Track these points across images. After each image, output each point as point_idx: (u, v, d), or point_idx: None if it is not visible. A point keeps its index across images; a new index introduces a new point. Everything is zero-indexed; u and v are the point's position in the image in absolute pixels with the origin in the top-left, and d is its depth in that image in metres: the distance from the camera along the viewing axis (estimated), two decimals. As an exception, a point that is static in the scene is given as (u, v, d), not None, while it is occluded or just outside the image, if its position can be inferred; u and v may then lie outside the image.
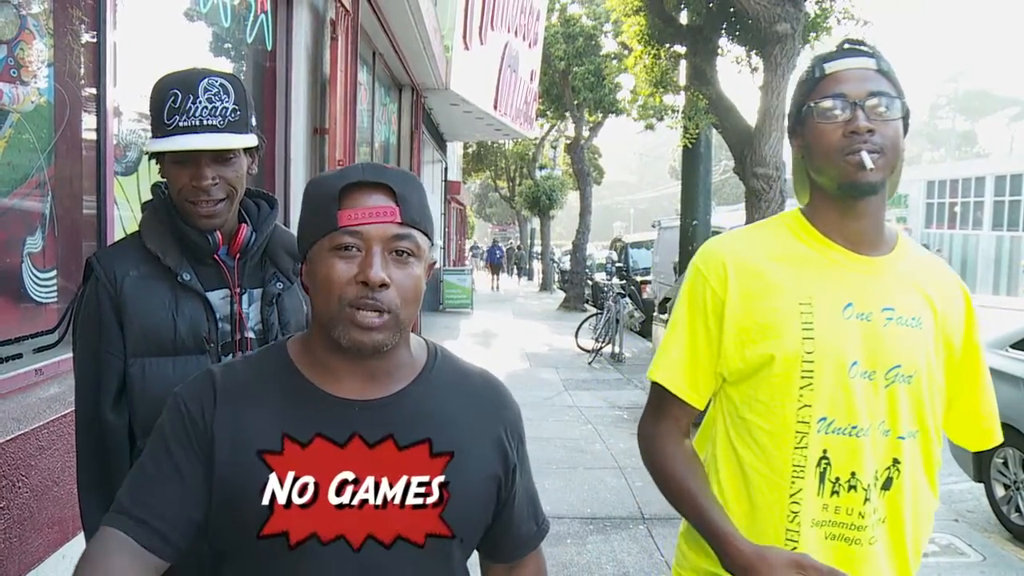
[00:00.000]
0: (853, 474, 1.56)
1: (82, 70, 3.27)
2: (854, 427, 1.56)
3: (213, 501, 1.27)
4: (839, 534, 1.57)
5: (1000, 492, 5.60)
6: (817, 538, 1.57)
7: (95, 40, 3.33)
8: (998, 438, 1.73)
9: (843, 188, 1.58)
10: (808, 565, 1.39)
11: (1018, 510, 5.46)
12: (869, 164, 1.53)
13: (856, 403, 1.56)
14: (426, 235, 1.31)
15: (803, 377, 1.57)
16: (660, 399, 1.73)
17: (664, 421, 1.72)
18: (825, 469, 1.57)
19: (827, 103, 1.59)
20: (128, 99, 3.67)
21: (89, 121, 3.32)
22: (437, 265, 18.09)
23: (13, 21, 2.82)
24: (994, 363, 5.45)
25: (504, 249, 38.20)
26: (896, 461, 1.58)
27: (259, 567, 1.27)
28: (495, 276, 32.23)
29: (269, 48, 5.65)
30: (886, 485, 1.58)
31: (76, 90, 3.22)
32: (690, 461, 1.66)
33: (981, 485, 5.76)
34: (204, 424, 1.28)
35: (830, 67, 1.62)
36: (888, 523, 1.60)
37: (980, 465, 5.67)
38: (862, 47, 1.62)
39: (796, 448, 1.58)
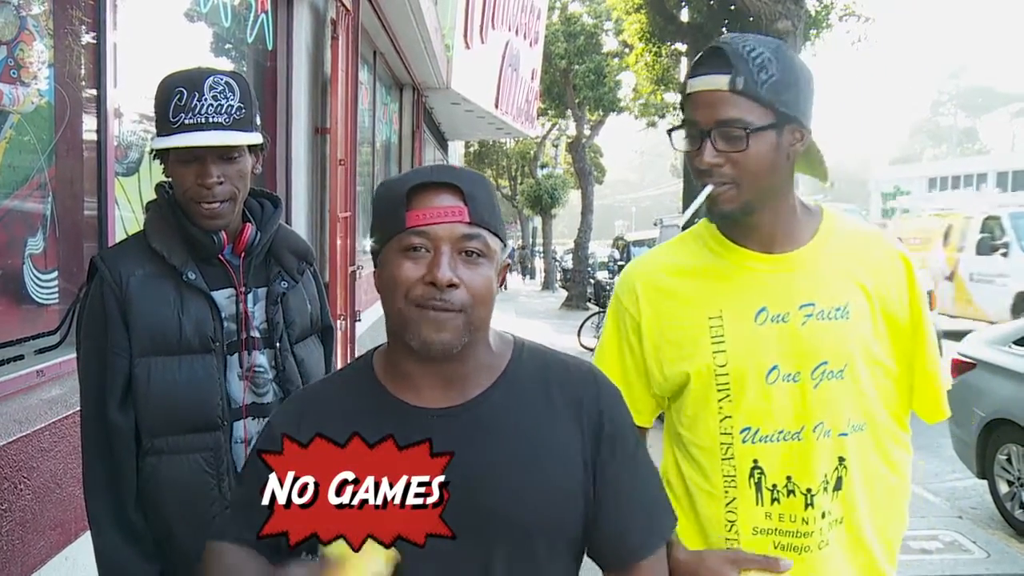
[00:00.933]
0: (789, 478, 1.54)
1: (82, 71, 3.26)
2: (781, 431, 1.54)
3: None
4: (786, 543, 1.55)
5: (1004, 488, 5.59)
6: (763, 547, 1.54)
7: (95, 41, 3.32)
8: (946, 411, 1.66)
9: (711, 215, 1.57)
10: (742, 558, 1.41)
11: (1022, 506, 5.45)
12: (697, 202, 1.51)
13: (780, 408, 1.53)
14: (497, 236, 1.29)
15: (719, 390, 1.56)
16: None
17: None
18: (760, 478, 1.55)
19: (679, 132, 1.55)
20: (129, 100, 3.66)
21: (90, 122, 3.31)
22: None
23: (12, 22, 2.82)
24: (997, 359, 5.43)
25: (515, 248, 37.13)
26: (842, 459, 1.55)
27: None
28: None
29: (270, 48, 5.64)
30: (837, 486, 1.55)
31: (76, 91, 3.22)
32: None
33: (985, 482, 5.75)
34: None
35: (691, 85, 1.53)
36: (844, 523, 1.57)
37: (983, 462, 5.66)
38: (723, 57, 1.48)
39: (723, 459, 1.57)
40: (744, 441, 1.55)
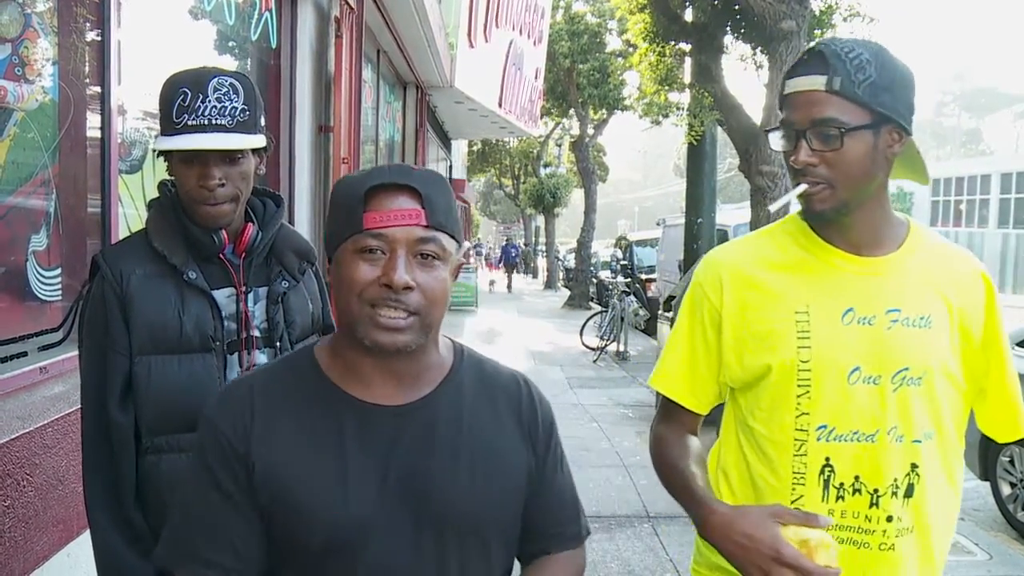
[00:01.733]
0: (857, 478, 1.55)
1: (87, 68, 3.26)
2: (856, 432, 1.54)
3: (266, 517, 1.28)
4: (846, 537, 1.56)
5: (1006, 490, 5.58)
6: None
7: (99, 38, 3.33)
8: (1021, 431, 1.67)
9: (805, 214, 1.59)
10: (784, 512, 1.39)
11: (1024, 508, 5.44)
12: (780, 201, 1.56)
13: (858, 409, 1.54)
14: (453, 237, 1.30)
15: (800, 386, 1.56)
16: (666, 404, 1.76)
17: (670, 424, 1.75)
18: (829, 476, 1.55)
19: (776, 132, 1.57)
20: (133, 97, 3.66)
21: (94, 119, 3.32)
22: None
23: (17, 19, 2.82)
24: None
25: (520, 248, 36.62)
26: (915, 466, 1.55)
27: (321, 569, 1.28)
28: (509, 276, 30.50)
29: (273, 46, 5.64)
30: (908, 492, 1.55)
31: (81, 88, 3.22)
32: (686, 447, 1.68)
33: (987, 483, 5.74)
34: (244, 446, 1.28)
35: (788, 86, 1.56)
36: (916, 531, 1.57)
37: (986, 463, 5.65)
38: (819, 58, 1.51)
39: (796, 455, 1.57)
40: (819, 439, 1.55)
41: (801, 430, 1.56)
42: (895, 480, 1.54)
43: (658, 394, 1.77)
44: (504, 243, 34.02)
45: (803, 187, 1.53)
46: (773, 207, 1.60)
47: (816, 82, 1.50)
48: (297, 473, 1.26)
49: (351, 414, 1.30)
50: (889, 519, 1.55)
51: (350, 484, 1.26)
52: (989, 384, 1.64)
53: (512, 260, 30.89)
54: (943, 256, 1.65)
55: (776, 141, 1.58)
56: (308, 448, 1.28)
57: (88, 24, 3.28)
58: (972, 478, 5.87)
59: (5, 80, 2.75)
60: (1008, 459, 5.49)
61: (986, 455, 5.61)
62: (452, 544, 1.30)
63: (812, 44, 1.55)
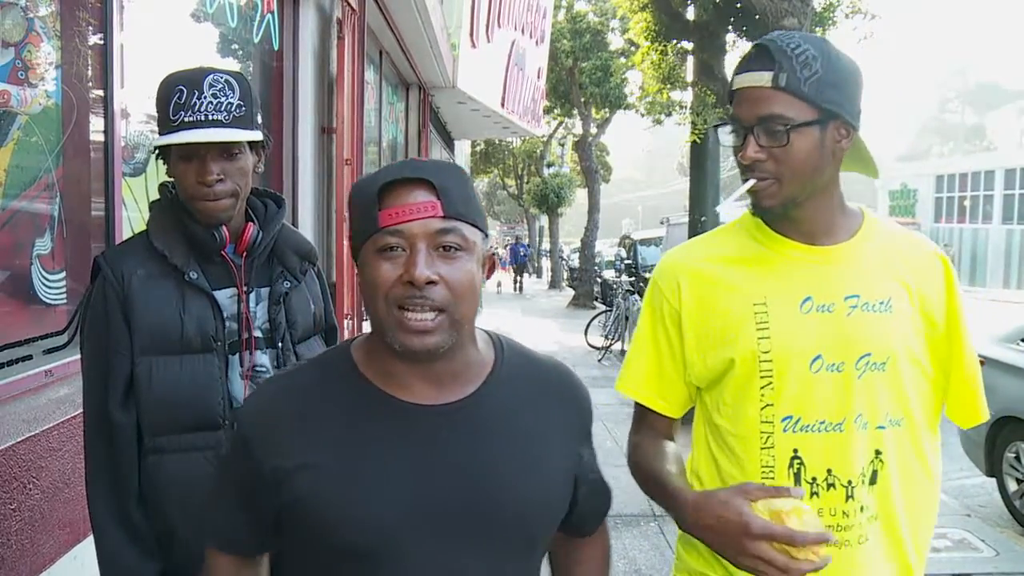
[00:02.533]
0: (829, 471, 1.53)
1: (89, 72, 3.27)
2: (822, 422, 1.53)
3: (295, 516, 1.26)
4: None
5: (1013, 487, 5.57)
6: None
7: (102, 42, 3.33)
8: (983, 415, 1.66)
9: (755, 209, 1.59)
10: (753, 488, 1.38)
11: (1031, 505, 5.43)
12: (725, 206, 1.57)
13: (823, 398, 1.53)
14: (475, 226, 1.25)
15: (762, 377, 1.56)
16: (638, 412, 1.76)
17: (643, 430, 1.75)
18: (799, 470, 1.54)
19: (726, 128, 1.58)
20: (136, 101, 3.67)
21: (97, 123, 3.32)
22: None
23: (20, 23, 2.83)
24: (1005, 357, 5.42)
25: (528, 247, 35.62)
26: (878, 452, 1.55)
27: (336, 569, 1.27)
28: (518, 277, 29.62)
29: (276, 48, 5.64)
30: (872, 479, 1.55)
31: (84, 92, 3.23)
32: (660, 451, 1.67)
33: (993, 480, 5.73)
34: (265, 444, 1.27)
35: (736, 82, 1.57)
36: (881, 519, 1.56)
37: (992, 459, 5.64)
38: (766, 54, 1.50)
39: (763, 448, 1.56)
40: (785, 430, 1.54)
41: (766, 422, 1.56)
42: (862, 468, 1.54)
43: (635, 404, 1.76)
44: (513, 243, 32.98)
45: (751, 183, 1.54)
46: (720, 208, 1.60)
47: (762, 78, 1.50)
48: (330, 473, 1.23)
49: (389, 414, 1.26)
50: (862, 509, 1.54)
51: (388, 486, 1.23)
52: (951, 367, 1.63)
53: (521, 260, 30.06)
54: (898, 242, 1.65)
55: (725, 136, 1.59)
56: (342, 449, 1.24)
57: (91, 28, 3.28)
58: (978, 474, 5.86)
59: (8, 84, 2.75)
60: (1014, 455, 5.48)
61: (992, 451, 5.60)
62: (501, 545, 1.28)
63: (759, 40, 1.56)
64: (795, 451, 1.54)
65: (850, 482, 1.53)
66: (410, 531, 1.22)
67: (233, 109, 1.89)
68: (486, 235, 1.29)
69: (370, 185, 1.23)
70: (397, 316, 1.20)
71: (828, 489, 1.54)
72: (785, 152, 1.50)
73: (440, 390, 1.28)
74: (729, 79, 1.63)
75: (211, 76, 1.88)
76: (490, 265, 1.32)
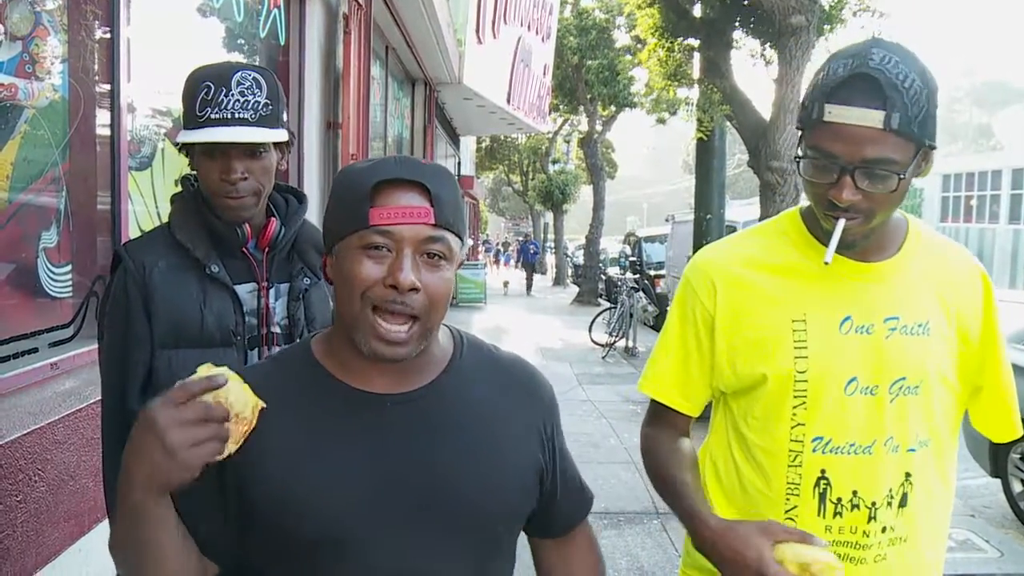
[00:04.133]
0: (855, 492, 1.51)
1: (96, 66, 3.27)
2: (852, 444, 1.50)
3: (256, 509, 1.23)
4: (842, 553, 1.51)
5: (1018, 487, 5.56)
6: None
7: (109, 36, 3.34)
8: (1018, 431, 1.64)
9: (826, 232, 1.48)
10: (778, 529, 1.35)
11: (1035, 505, 5.42)
12: (834, 240, 1.42)
13: (855, 421, 1.50)
14: (459, 236, 1.25)
15: (796, 396, 1.52)
16: (656, 406, 1.72)
17: (660, 426, 1.71)
18: (825, 490, 1.51)
19: (815, 163, 1.42)
20: (142, 95, 3.68)
21: (103, 117, 3.33)
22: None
23: (28, 17, 2.83)
24: (1011, 358, 5.40)
25: (540, 246, 32.99)
26: (908, 475, 1.52)
27: (315, 565, 1.24)
28: (529, 276, 27.31)
29: (282, 43, 5.65)
30: (902, 502, 1.52)
31: (90, 86, 3.23)
32: (677, 453, 1.64)
33: (998, 480, 5.72)
34: None
35: (830, 113, 1.38)
36: (909, 541, 1.54)
37: (997, 460, 5.63)
38: (877, 88, 1.35)
39: (790, 466, 1.53)
40: (815, 451, 1.51)
41: (796, 441, 1.52)
42: (890, 490, 1.51)
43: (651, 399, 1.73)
44: (523, 240, 31.35)
45: (842, 224, 1.43)
46: (828, 258, 1.43)
47: (872, 117, 1.35)
48: (287, 463, 1.22)
49: (346, 402, 1.26)
50: (883, 530, 1.52)
51: (346, 473, 1.22)
52: (985, 383, 1.60)
53: (531, 259, 27.97)
54: (941, 256, 1.60)
55: (808, 169, 1.45)
56: (299, 438, 1.24)
57: (98, 22, 3.29)
58: (983, 475, 5.85)
59: (16, 77, 2.76)
60: (1019, 456, 5.47)
61: (997, 453, 5.59)
62: (462, 537, 1.27)
63: (862, 67, 1.36)
64: (823, 471, 1.51)
65: (874, 503, 1.51)
66: (368, 520, 1.22)
67: (260, 108, 1.88)
68: (464, 243, 1.29)
69: (364, 178, 1.21)
70: (371, 320, 1.19)
71: (852, 510, 1.51)
72: (883, 196, 1.41)
73: (398, 380, 1.28)
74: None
75: (239, 73, 1.87)
76: (457, 266, 1.32)
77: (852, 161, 1.38)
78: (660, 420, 1.72)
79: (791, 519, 1.53)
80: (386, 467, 1.24)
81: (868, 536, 1.51)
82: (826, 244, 1.49)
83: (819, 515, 1.52)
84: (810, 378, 1.51)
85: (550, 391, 1.45)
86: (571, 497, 1.47)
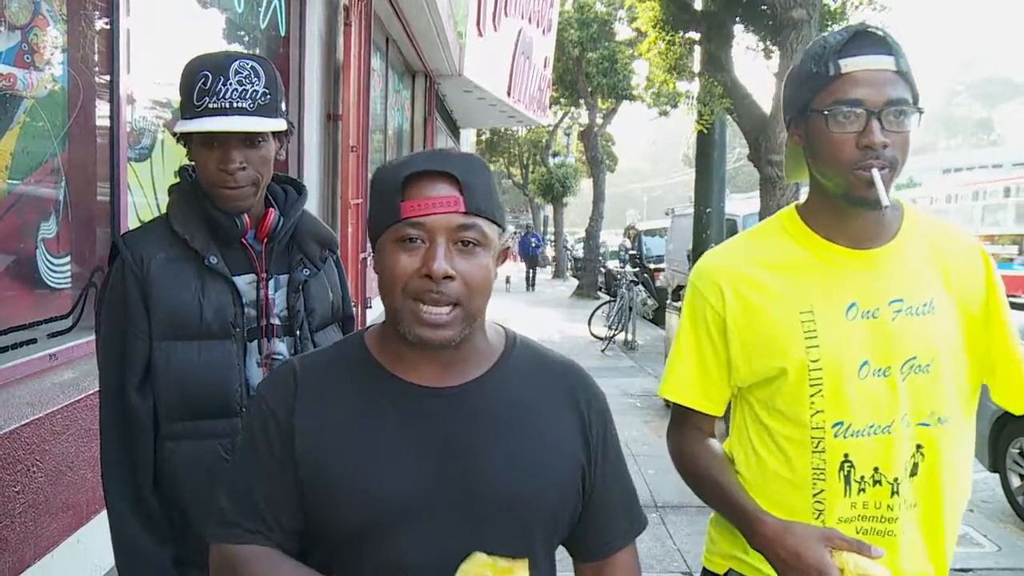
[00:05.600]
0: (876, 469, 1.55)
1: (96, 56, 3.27)
2: (871, 426, 1.54)
3: (303, 492, 1.27)
4: (870, 528, 1.56)
5: (1016, 482, 5.56)
6: (848, 533, 1.52)
7: (108, 26, 3.33)
8: None
9: (849, 200, 1.54)
10: (837, 537, 1.39)
11: (1034, 500, 5.42)
12: (881, 191, 1.46)
13: (871, 403, 1.54)
14: (494, 222, 1.27)
15: (812, 385, 1.56)
16: (680, 411, 1.75)
17: (686, 430, 1.74)
18: (849, 472, 1.55)
19: (842, 110, 1.49)
20: (141, 85, 3.67)
21: (103, 107, 3.32)
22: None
23: (27, 6, 2.82)
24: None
25: (542, 238, 31.37)
26: (919, 446, 1.56)
27: (352, 550, 1.27)
28: (531, 271, 25.78)
29: (282, 34, 5.64)
30: (913, 471, 1.56)
31: (90, 76, 3.22)
32: (713, 455, 1.68)
33: (997, 475, 5.73)
34: (287, 416, 1.28)
35: (846, 65, 1.49)
36: (921, 507, 1.58)
37: (996, 455, 5.64)
38: (881, 39, 1.49)
39: (814, 452, 1.57)
40: (836, 436, 1.55)
41: (817, 428, 1.56)
42: (906, 464, 1.55)
43: (674, 404, 1.76)
44: (523, 233, 29.62)
45: (877, 173, 1.47)
46: (885, 200, 1.46)
47: (885, 62, 1.48)
48: (338, 448, 1.26)
49: (396, 394, 1.29)
50: (905, 502, 1.56)
51: (390, 461, 1.25)
52: (995, 357, 1.63)
53: (533, 253, 26.31)
54: (940, 235, 1.64)
55: (833, 124, 1.50)
56: (351, 425, 1.28)
57: (97, 12, 3.28)
58: (981, 470, 5.85)
59: (15, 67, 2.75)
60: (1018, 451, 5.48)
61: (996, 447, 5.59)
62: (494, 531, 1.28)
63: (858, 27, 1.52)
64: (846, 455, 1.55)
65: (896, 479, 1.55)
66: (409, 511, 1.25)
67: (258, 97, 1.87)
68: (503, 229, 1.32)
69: (395, 173, 1.24)
70: (412, 307, 1.22)
71: (874, 485, 1.56)
72: (904, 139, 1.49)
73: (447, 374, 1.31)
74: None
75: (237, 62, 1.86)
76: (503, 258, 1.35)
77: (877, 104, 1.46)
78: (685, 423, 1.75)
79: (819, 503, 1.57)
80: (429, 459, 1.26)
81: (893, 509, 1.56)
82: (828, 238, 1.59)
83: (845, 495, 1.56)
84: (823, 366, 1.55)
85: (601, 399, 1.45)
86: (616, 516, 1.43)
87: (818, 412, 1.56)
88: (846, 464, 1.55)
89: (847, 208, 1.56)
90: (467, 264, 1.23)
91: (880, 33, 1.49)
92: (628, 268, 15.62)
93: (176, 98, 1.91)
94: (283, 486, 1.28)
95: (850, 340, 1.55)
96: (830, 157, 1.52)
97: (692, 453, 1.70)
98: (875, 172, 1.48)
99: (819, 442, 1.56)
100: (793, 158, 1.73)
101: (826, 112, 1.50)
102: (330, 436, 1.27)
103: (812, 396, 1.56)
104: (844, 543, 1.37)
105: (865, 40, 1.49)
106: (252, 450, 1.31)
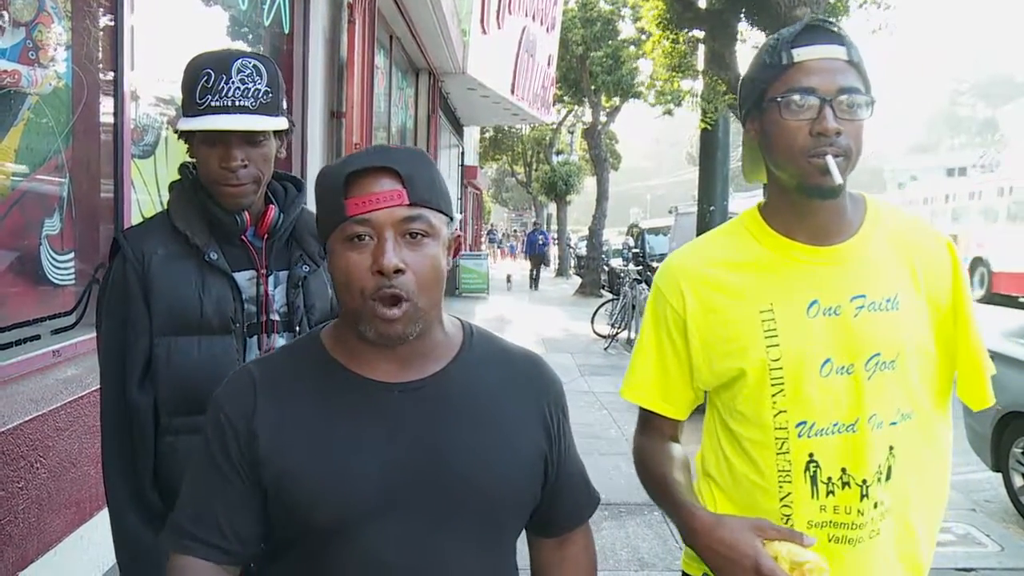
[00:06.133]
0: (844, 470, 1.53)
1: (100, 53, 3.27)
2: (835, 424, 1.53)
3: (268, 496, 1.28)
4: (841, 535, 1.54)
5: (1019, 482, 5.55)
6: (819, 540, 1.51)
7: (113, 23, 3.33)
8: (990, 399, 1.65)
9: (804, 189, 1.52)
10: (768, 527, 1.38)
11: (1036, 500, 5.42)
12: (835, 172, 1.46)
13: (835, 401, 1.52)
14: (440, 212, 1.28)
15: (773, 384, 1.55)
16: (643, 414, 1.74)
17: (649, 433, 1.73)
18: (815, 472, 1.54)
19: (794, 98, 1.50)
20: (146, 82, 3.67)
21: (107, 104, 3.33)
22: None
23: (31, 3, 2.82)
24: (1013, 352, 5.39)
25: (549, 236, 31.53)
26: (891, 448, 1.54)
27: (322, 549, 1.27)
28: (535, 269, 25.03)
29: (286, 31, 5.64)
30: (888, 475, 1.54)
31: (94, 73, 3.23)
32: (666, 456, 1.66)
33: (999, 475, 5.72)
34: (246, 424, 1.28)
35: (799, 54, 1.51)
36: (893, 513, 1.56)
37: (999, 454, 5.63)
38: (832, 30, 1.52)
39: (779, 454, 1.56)
40: (800, 436, 1.54)
41: (781, 428, 1.55)
42: (878, 466, 1.53)
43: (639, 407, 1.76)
44: (531, 230, 29.27)
45: (831, 159, 1.47)
46: (838, 179, 1.47)
47: (836, 51, 1.50)
48: (302, 449, 1.26)
49: (358, 391, 1.30)
50: (876, 506, 1.54)
51: (355, 459, 1.26)
52: (959, 352, 1.62)
53: (539, 251, 25.66)
54: (903, 229, 1.62)
55: (785, 112, 1.50)
56: (314, 425, 1.28)
57: (101, 9, 3.28)
58: (984, 469, 5.85)
59: (19, 64, 2.75)
60: (1021, 451, 5.46)
61: (998, 447, 5.59)
62: (464, 522, 1.29)
63: (809, 20, 1.55)
64: (810, 455, 1.54)
65: (864, 481, 1.53)
66: (377, 506, 1.25)
67: (260, 95, 1.88)
68: (451, 219, 1.32)
69: (337, 173, 1.25)
70: (371, 307, 1.23)
71: (843, 488, 1.53)
72: (858, 129, 1.49)
73: (407, 369, 1.31)
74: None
75: (239, 60, 1.87)
76: (456, 248, 1.36)
77: (830, 91, 1.48)
78: (648, 427, 1.74)
79: (787, 506, 1.55)
80: (394, 454, 1.27)
81: (862, 514, 1.53)
82: (788, 235, 1.58)
83: (813, 497, 1.54)
84: (784, 365, 1.54)
85: (558, 385, 1.47)
86: (575, 495, 1.49)
87: (781, 412, 1.55)
88: (811, 464, 1.54)
89: (805, 201, 1.55)
90: (415, 256, 1.24)
91: (832, 25, 1.52)
92: (631, 266, 15.61)
93: (180, 95, 1.91)
94: (241, 493, 1.28)
95: (811, 338, 1.53)
96: (784, 146, 1.52)
97: (648, 455, 1.69)
98: (829, 158, 1.47)
99: (783, 443, 1.55)
100: (751, 156, 1.72)
101: (779, 99, 1.50)
102: (293, 438, 1.27)
103: (774, 396, 1.55)
104: (776, 532, 1.37)
105: (817, 31, 1.52)
106: (208, 457, 1.30)
